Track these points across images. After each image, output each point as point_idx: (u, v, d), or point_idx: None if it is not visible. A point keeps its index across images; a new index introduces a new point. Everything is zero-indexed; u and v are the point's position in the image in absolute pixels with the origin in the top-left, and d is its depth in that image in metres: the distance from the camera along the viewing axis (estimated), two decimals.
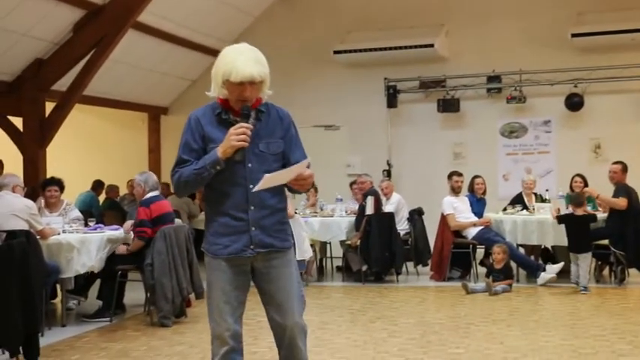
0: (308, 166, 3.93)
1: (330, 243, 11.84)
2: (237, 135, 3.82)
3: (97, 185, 14.11)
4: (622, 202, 10.00)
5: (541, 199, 11.30)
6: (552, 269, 10.24)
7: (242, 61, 3.83)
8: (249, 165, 3.94)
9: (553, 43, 13.16)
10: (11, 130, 11.86)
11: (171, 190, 13.84)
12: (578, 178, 11.25)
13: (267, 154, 3.99)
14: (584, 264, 9.70)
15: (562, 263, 10.40)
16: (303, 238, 10.08)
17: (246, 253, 3.96)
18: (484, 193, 11.47)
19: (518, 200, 11.44)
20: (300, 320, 4.06)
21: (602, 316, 8.17)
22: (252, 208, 3.94)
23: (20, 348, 6.13)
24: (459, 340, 7.02)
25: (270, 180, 3.81)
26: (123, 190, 14.36)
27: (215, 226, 4.00)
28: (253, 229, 3.94)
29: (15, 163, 11.68)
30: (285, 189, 4.09)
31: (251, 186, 3.89)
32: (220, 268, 3.98)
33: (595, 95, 13.01)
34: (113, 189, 14.23)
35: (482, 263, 10.98)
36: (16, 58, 11.19)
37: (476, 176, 11.53)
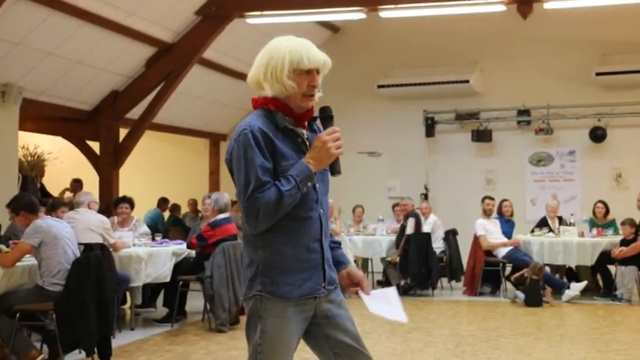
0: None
1: (371, 259, 11.82)
2: (335, 141, 2.84)
3: (162, 202, 14.19)
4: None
5: (565, 223, 11.16)
6: (576, 287, 10.09)
7: (309, 45, 2.89)
8: (317, 185, 2.94)
9: (579, 80, 13.04)
10: (89, 154, 12.06)
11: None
12: (600, 204, 11.15)
13: (326, 173, 3.01)
14: None
15: (585, 282, 10.26)
16: (347, 255, 10.06)
17: (320, 292, 2.94)
18: (511, 215, 11.37)
19: (543, 223, 11.33)
20: None
21: (622, 331, 8.03)
22: (324, 237, 2.97)
23: (95, 348, 6.22)
24: (490, 351, 6.95)
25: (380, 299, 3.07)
26: (184, 209, 14.47)
27: (282, 261, 2.87)
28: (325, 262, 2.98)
29: (92, 182, 11.87)
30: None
31: (322, 211, 2.96)
32: (285, 315, 2.87)
33: (617, 128, 12.85)
34: (176, 207, 14.32)
35: (506, 278, 10.90)
36: (95, 90, 11.38)
37: (504, 200, 11.45)
